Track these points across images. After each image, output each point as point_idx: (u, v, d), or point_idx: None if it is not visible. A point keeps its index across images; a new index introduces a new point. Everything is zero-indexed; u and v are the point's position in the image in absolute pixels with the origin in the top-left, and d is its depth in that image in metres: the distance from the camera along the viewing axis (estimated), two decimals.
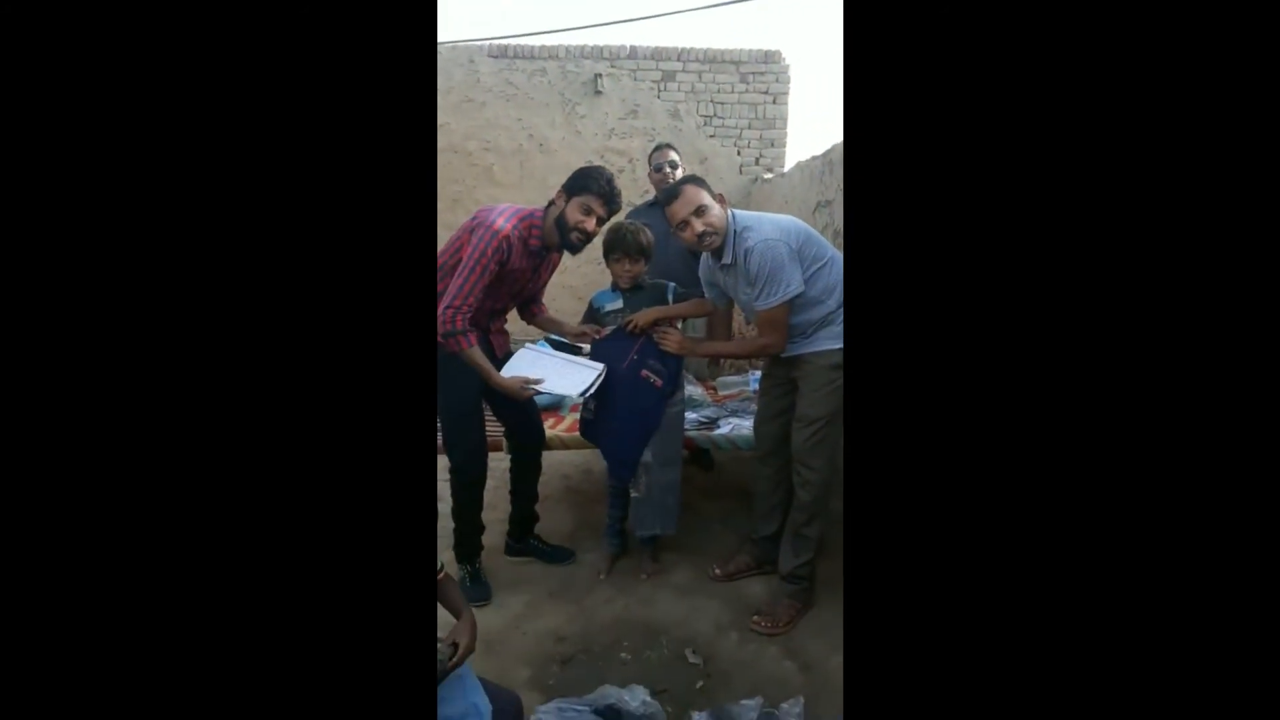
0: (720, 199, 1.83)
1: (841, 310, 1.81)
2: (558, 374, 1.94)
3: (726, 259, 1.82)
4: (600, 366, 1.95)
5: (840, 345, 1.80)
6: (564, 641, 1.80)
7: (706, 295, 2.05)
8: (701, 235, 1.77)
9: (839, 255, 1.86)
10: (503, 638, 1.81)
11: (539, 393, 1.92)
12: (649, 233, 2.00)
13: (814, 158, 3.26)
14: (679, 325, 2.08)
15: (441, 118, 4.74)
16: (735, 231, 1.79)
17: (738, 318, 3.40)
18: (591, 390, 1.91)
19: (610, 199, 1.84)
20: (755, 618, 1.87)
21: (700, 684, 1.64)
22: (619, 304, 2.05)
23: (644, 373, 1.97)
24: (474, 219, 1.84)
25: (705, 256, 1.92)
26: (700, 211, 1.75)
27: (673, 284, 2.09)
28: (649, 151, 2.94)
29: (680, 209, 1.76)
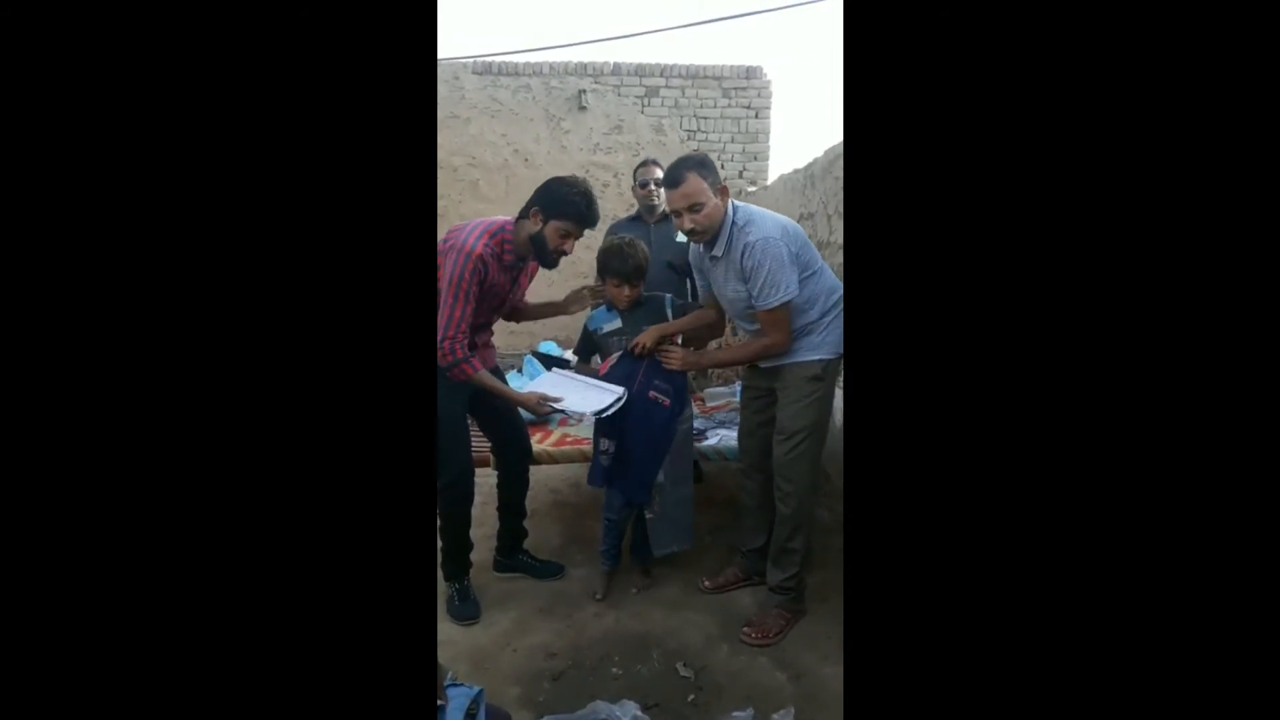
0: (723, 191, 1.77)
1: (822, 320, 1.81)
2: (579, 395, 1.91)
3: (717, 251, 1.78)
4: (621, 390, 1.89)
5: (819, 356, 1.80)
6: (554, 657, 1.79)
7: (697, 282, 1.99)
8: (690, 231, 1.75)
9: (826, 266, 1.87)
10: (492, 655, 1.80)
11: (555, 410, 1.91)
12: (645, 250, 1.97)
13: (796, 171, 3.30)
14: (678, 340, 2.02)
15: None
16: (735, 225, 1.75)
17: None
18: (610, 411, 1.86)
19: (587, 219, 1.83)
20: (745, 629, 1.86)
21: (692, 697, 1.63)
22: (617, 323, 2.01)
23: (651, 393, 1.93)
24: (445, 242, 1.81)
25: (695, 245, 1.88)
26: (694, 208, 1.71)
27: (669, 295, 2.06)
28: (634, 166, 2.96)
29: (677, 200, 1.73)
